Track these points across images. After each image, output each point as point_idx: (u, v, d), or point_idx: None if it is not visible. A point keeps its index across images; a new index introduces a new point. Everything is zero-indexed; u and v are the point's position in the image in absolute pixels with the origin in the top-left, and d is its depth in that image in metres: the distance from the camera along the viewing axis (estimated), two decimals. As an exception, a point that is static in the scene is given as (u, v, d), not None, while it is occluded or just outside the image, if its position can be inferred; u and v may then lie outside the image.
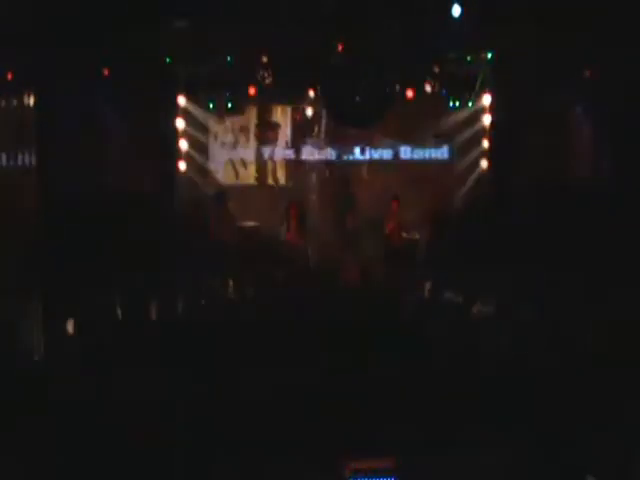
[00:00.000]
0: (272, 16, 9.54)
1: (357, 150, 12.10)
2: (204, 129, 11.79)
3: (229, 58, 10.62)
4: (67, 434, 4.50)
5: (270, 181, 12.36)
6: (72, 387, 5.17)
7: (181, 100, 11.32)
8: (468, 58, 10.78)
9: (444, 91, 11.28)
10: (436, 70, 10.95)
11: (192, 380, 5.25)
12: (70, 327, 7.38)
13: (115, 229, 9.54)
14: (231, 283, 8.98)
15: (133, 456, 4.30)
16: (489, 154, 11.56)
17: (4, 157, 8.55)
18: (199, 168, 11.74)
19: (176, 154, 11.39)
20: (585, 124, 10.70)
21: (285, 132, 12.28)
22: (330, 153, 12.12)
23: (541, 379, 5.22)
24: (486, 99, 11.40)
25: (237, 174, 12.28)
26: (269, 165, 12.37)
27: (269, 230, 11.17)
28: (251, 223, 11.34)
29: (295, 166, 12.22)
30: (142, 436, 4.46)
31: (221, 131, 12.08)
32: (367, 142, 12.02)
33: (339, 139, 11.99)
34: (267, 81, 10.85)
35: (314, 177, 12.10)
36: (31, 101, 8.82)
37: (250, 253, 10.50)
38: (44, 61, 8.68)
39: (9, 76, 8.43)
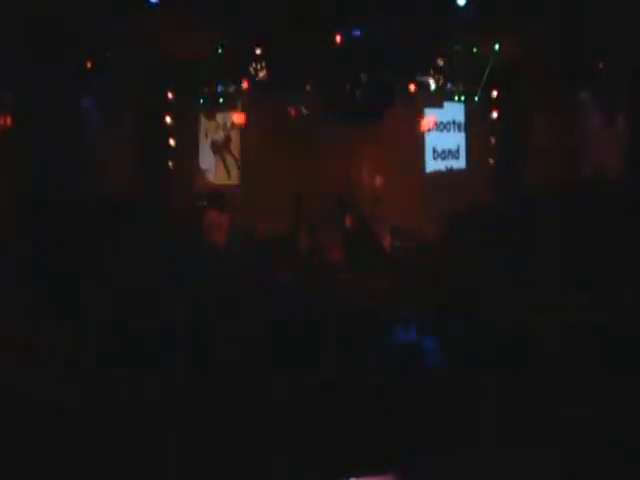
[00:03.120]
0: (266, 7, 9.09)
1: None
2: (195, 126, 11.26)
3: (220, 50, 10.12)
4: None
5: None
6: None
7: (171, 94, 10.84)
8: (474, 50, 10.28)
9: (448, 85, 10.90)
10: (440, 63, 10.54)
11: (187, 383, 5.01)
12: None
13: (101, 232, 9.07)
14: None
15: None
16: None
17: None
18: (190, 167, 11.22)
19: (166, 153, 10.88)
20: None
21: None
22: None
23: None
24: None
25: (229, 174, 11.76)
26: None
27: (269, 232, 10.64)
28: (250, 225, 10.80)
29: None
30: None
31: (212, 128, 11.60)
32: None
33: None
34: (261, 75, 10.41)
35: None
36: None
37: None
38: (24, 56, 8.28)
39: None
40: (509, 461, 4.10)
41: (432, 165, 11.76)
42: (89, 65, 9.47)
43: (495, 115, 10.89)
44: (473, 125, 11.41)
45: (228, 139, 11.77)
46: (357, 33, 9.77)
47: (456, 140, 11.71)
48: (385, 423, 4.50)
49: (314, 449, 4.28)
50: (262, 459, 4.20)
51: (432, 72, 10.58)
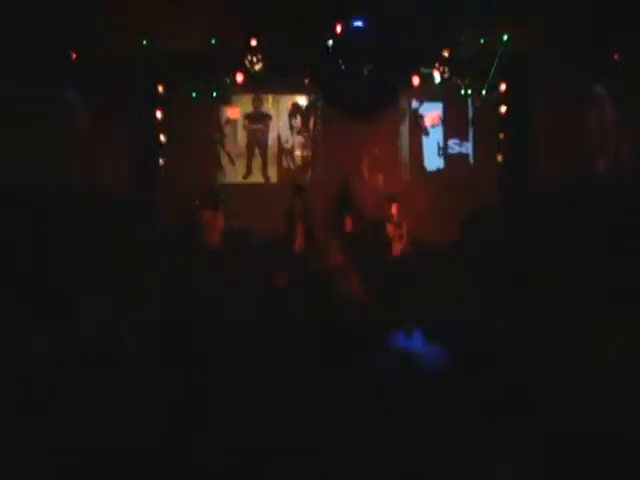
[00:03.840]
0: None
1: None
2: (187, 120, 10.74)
3: (214, 41, 9.76)
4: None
5: (260, 179, 11.50)
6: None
7: (160, 88, 10.35)
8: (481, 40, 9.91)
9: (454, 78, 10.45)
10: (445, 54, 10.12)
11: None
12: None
13: (88, 232, 8.79)
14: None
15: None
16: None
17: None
18: (182, 164, 10.69)
19: (156, 149, 10.38)
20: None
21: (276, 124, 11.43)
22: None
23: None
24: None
25: (224, 172, 11.44)
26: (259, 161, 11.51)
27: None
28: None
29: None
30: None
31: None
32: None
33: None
34: (256, 67, 10.02)
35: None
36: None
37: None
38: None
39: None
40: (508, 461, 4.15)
41: (437, 163, 11.37)
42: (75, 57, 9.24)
43: (504, 110, 10.43)
44: (480, 120, 11.02)
45: (223, 135, 11.38)
46: (359, 23, 9.48)
47: (462, 136, 11.32)
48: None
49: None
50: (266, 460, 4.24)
51: (437, 64, 10.16)
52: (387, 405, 4.78)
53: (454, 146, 11.31)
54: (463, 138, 11.30)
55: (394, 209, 9.59)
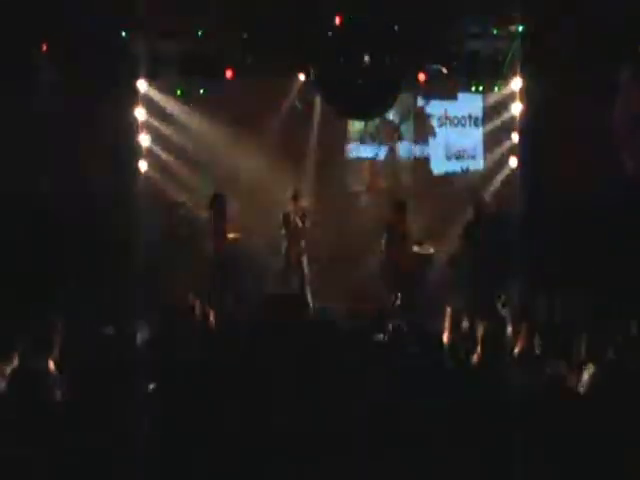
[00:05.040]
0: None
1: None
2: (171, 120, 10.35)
3: (200, 32, 9.39)
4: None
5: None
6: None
7: (141, 84, 9.94)
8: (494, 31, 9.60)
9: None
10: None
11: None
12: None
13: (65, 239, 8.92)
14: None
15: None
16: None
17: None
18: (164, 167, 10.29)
19: (137, 151, 10.00)
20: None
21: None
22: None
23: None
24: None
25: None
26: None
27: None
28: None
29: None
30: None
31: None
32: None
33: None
34: (247, 61, 9.75)
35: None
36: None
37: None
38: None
39: None
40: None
41: (445, 166, 10.98)
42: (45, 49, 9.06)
43: (518, 108, 9.99)
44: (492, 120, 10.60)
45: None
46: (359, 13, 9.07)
47: (472, 137, 10.85)
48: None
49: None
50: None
51: (444, 57, 9.86)
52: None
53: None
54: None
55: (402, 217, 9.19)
